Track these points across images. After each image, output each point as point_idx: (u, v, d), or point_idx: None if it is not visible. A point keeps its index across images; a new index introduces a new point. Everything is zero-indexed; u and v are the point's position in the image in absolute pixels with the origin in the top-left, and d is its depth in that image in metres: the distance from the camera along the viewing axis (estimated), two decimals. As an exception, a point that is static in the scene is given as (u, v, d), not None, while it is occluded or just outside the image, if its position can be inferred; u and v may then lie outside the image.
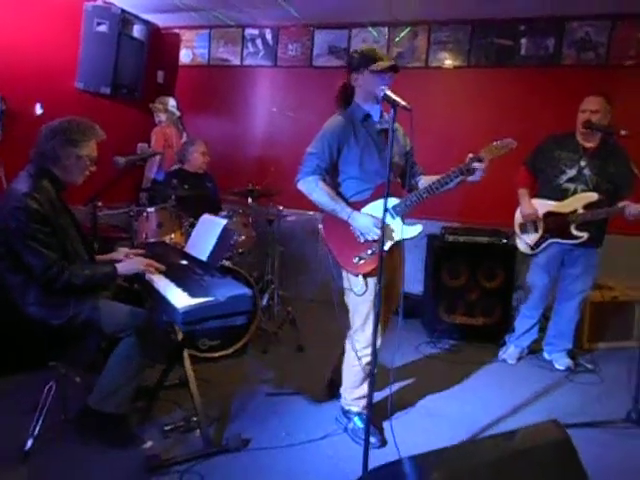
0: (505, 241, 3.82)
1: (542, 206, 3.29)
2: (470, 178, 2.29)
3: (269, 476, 2.16)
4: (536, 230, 3.33)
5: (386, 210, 1.95)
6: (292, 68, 4.77)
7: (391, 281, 2.42)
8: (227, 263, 3.25)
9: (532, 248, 3.37)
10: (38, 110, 3.76)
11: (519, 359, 3.55)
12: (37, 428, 2.18)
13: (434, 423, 2.65)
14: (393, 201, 2.33)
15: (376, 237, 2.27)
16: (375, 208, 2.32)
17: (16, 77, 3.58)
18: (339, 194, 2.42)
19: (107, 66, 4.05)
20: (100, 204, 2.96)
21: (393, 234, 2.35)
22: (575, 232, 3.18)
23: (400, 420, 2.62)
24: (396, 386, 2.93)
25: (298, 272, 4.68)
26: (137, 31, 4.28)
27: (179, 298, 1.99)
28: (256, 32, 4.81)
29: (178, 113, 4.87)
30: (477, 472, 1.13)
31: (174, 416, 2.53)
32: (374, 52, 2.38)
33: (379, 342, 2.35)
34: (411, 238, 2.36)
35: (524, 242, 3.42)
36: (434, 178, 2.36)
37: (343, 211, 2.33)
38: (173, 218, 3.34)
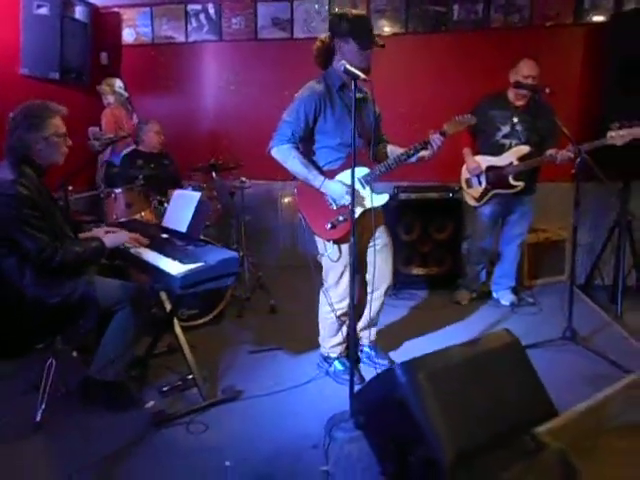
0: (452, 195, 4.17)
1: (483, 162, 3.65)
2: (426, 153, 2.46)
3: (264, 419, 2.42)
4: (480, 184, 3.70)
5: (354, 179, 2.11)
6: (237, 42, 4.86)
7: (370, 238, 2.63)
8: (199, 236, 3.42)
9: (477, 200, 3.73)
10: (-15, 99, 3.69)
11: (471, 300, 3.97)
12: (43, 401, 2.34)
13: (403, 357, 2.99)
14: (363, 170, 2.47)
15: (347, 203, 2.37)
16: (346, 176, 2.39)
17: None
18: (312, 162, 2.52)
19: (52, 50, 4.01)
20: (71, 188, 3.04)
21: (363, 202, 2.50)
22: (513, 182, 3.57)
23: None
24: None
25: (261, 240, 4.90)
26: (79, 12, 4.22)
27: (172, 266, 2.17)
28: (199, 7, 4.84)
29: (126, 94, 4.85)
30: (451, 370, 1.44)
31: (169, 379, 2.73)
32: (365, 23, 2.37)
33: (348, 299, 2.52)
34: (379, 206, 2.54)
35: (470, 196, 3.78)
36: (397, 148, 2.55)
37: (316, 179, 2.45)
38: (141, 197, 3.45)
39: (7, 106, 3.65)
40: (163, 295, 2.81)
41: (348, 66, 2.04)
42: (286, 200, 4.92)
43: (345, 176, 2.44)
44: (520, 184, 3.56)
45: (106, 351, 2.37)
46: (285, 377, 2.80)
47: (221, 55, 4.93)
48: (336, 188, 2.44)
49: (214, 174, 3.82)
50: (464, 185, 3.81)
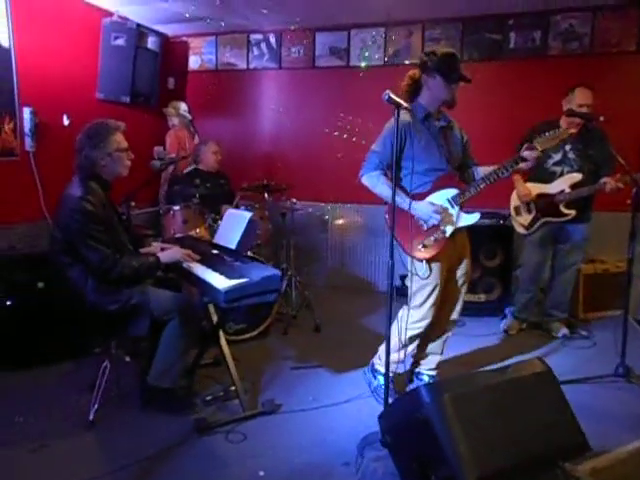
0: (503, 222, 4.12)
1: (534, 189, 3.60)
2: (523, 165, 2.53)
3: (301, 433, 2.48)
4: (529, 211, 3.64)
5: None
6: (295, 69, 5.07)
7: (455, 264, 2.70)
8: (249, 253, 3.56)
9: (527, 228, 3.67)
10: (65, 121, 4.06)
11: (520, 330, 3.86)
12: (97, 401, 2.51)
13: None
14: (452, 192, 2.56)
15: (436, 222, 2.50)
16: (436, 198, 2.55)
17: (44, 92, 3.88)
18: (401, 187, 2.59)
19: (125, 76, 4.35)
20: (133, 204, 3.26)
21: (453, 221, 2.57)
22: (564, 210, 3.49)
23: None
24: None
25: (310, 261, 5.00)
26: (151, 42, 4.57)
27: (219, 280, 2.30)
28: (260, 37, 5.10)
29: (189, 116, 5.16)
30: (477, 394, 1.45)
31: (213, 389, 2.85)
32: (452, 61, 2.49)
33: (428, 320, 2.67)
34: (470, 225, 2.61)
35: (519, 223, 3.72)
36: (488, 168, 2.61)
37: (404, 201, 2.51)
38: (197, 214, 3.65)
39: (83, 125, 4.05)
40: (211, 308, 2.95)
41: (392, 95, 2.12)
42: (337, 222, 5.02)
43: (433, 197, 2.56)
44: (571, 212, 3.48)
45: (161, 359, 2.53)
46: (324, 394, 2.85)
47: (279, 82, 5.16)
48: (424, 208, 2.52)
49: (266, 195, 3.98)
50: (513, 213, 3.76)
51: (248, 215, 2.77)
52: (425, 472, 1.39)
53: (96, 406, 2.50)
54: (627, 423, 2.52)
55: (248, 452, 2.31)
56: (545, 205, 3.54)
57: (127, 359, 2.86)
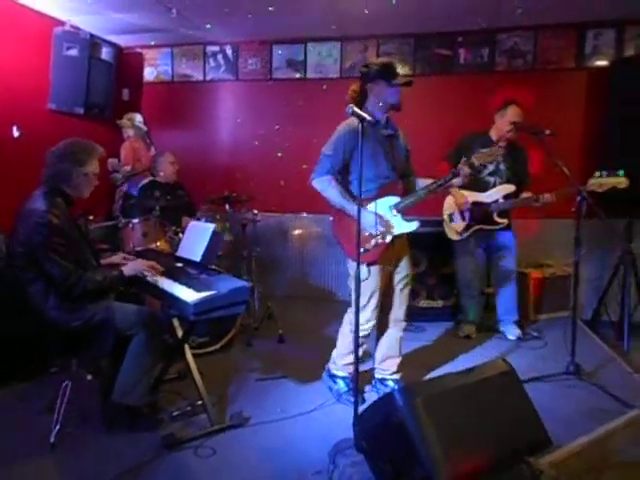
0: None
1: (469, 196, 3.78)
2: (455, 181, 2.70)
3: (270, 444, 2.47)
4: (463, 218, 3.81)
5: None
6: (253, 81, 5.10)
7: (395, 267, 2.82)
8: (212, 266, 3.54)
9: (460, 234, 3.83)
10: (15, 132, 3.92)
11: (477, 333, 4.02)
12: (58, 422, 2.43)
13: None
14: (395, 199, 2.70)
15: (378, 232, 2.63)
16: (380, 204, 2.67)
17: (-8, 102, 3.74)
18: (348, 191, 2.72)
19: (79, 87, 4.25)
20: (91, 218, 3.20)
21: (393, 229, 2.70)
22: (497, 219, 3.71)
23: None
24: (371, 363, 3.31)
25: (271, 271, 5.01)
26: (105, 53, 4.49)
27: (187, 294, 2.28)
28: (217, 48, 5.11)
29: (145, 128, 5.08)
30: (447, 395, 1.52)
31: (179, 404, 2.81)
32: (390, 65, 2.66)
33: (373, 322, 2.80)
34: (408, 232, 2.74)
35: (453, 230, 3.88)
36: (426, 181, 2.75)
37: (351, 207, 2.62)
38: (157, 227, 3.60)
39: (34, 137, 3.94)
40: (175, 322, 2.91)
41: (355, 109, 2.21)
42: (296, 232, 5.05)
43: (377, 204, 2.68)
44: (504, 221, 3.72)
45: (126, 376, 2.47)
46: (291, 404, 2.86)
47: (236, 93, 5.17)
48: (367, 217, 2.62)
49: (227, 206, 3.97)
50: (447, 219, 3.92)
51: (212, 227, 2.77)
52: (400, 474, 1.44)
53: (57, 427, 2.41)
54: (579, 418, 2.68)
55: (218, 466, 2.29)
56: (479, 213, 3.73)
57: (89, 377, 2.78)
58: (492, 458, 1.49)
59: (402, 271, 2.87)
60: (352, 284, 2.71)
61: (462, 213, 3.79)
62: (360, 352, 2.80)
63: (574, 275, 3.17)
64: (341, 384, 2.92)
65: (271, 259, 5.05)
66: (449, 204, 3.89)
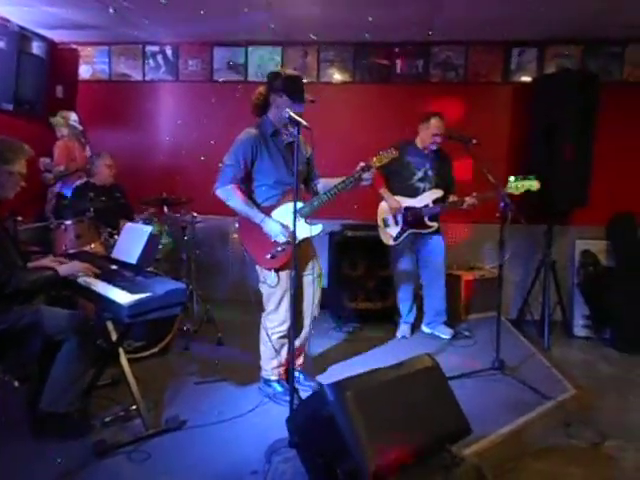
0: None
1: (402, 202, 3.94)
2: (363, 183, 2.80)
3: (208, 447, 2.47)
4: (397, 223, 3.96)
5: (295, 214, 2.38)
6: (193, 82, 5.06)
7: (303, 269, 2.90)
8: (149, 268, 3.48)
9: (395, 239, 3.99)
10: None
11: (412, 333, 4.18)
12: (-19, 432, 2.32)
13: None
14: (299, 204, 2.68)
15: (283, 240, 2.70)
16: (283, 211, 2.74)
17: None
18: (252, 199, 2.79)
19: (7, 82, 4.06)
20: (20, 219, 3.07)
21: (299, 233, 2.72)
22: (428, 223, 3.90)
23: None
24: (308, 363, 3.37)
25: (211, 274, 4.98)
26: (36, 47, 4.32)
27: (121, 296, 2.25)
28: (157, 48, 5.03)
29: (80, 127, 4.90)
30: (376, 389, 1.60)
31: (112, 410, 2.74)
32: (297, 82, 2.70)
33: (307, 322, 2.94)
34: (314, 236, 2.83)
35: (387, 234, 4.02)
36: (331, 181, 2.83)
37: (256, 216, 2.72)
38: (91, 229, 3.51)
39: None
40: (110, 325, 2.85)
41: (292, 113, 2.28)
42: (236, 236, 5.04)
43: (280, 212, 2.76)
44: (435, 224, 3.92)
45: (55, 383, 2.39)
46: (229, 407, 2.86)
47: (176, 94, 5.11)
48: (273, 227, 2.72)
49: (166, 208, 3.92)
50: (381, 224, 4.05)
51: (149, 229, 2.73)
52: (331, 467, 1.50)
53: (-20, 437, 2.31)
54: (502, 410, 2.85)
55: (154, 470, 2.27)
56: (412, 217, 3.90)
57: (15, 384, 2.66)
58: (417, 448, 1.58)
59: (312, 273, 2.97)
60: (262, 288, 2.88)
61: (395, 218, 3.94)
62: (283, 353, 2.96)
63: (499, 277, 3.36)
64: (276, 386, 2.97)
65: (211, 262, 5.01)
66: (383, 209, 4.02)
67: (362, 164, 2.76)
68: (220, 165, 2.81)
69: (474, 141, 3.29)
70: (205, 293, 4.42)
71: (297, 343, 2.99)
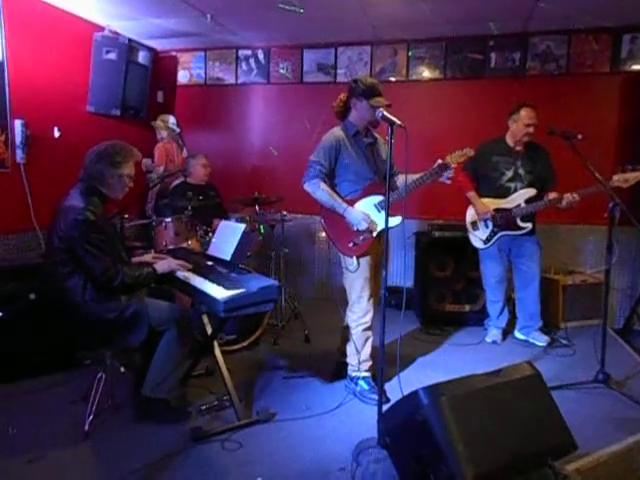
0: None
1: (491, 204, 3.76)
2: (441, 179, 2.87)
3: (296, 441, 2.52)
4: (487, 226, 3.78)
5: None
6: (283, 85, 5.17)
7: (379, 261, 2.94)
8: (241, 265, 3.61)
9: (485, 242, 3.81)
10: (56, 133, 4.08)
11: (504, 338, 3.99)
12: (92, 412, 2.52)
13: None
14: (378, 198, 2.93)
15: (365, 227, 2.86)
16: (365, 203, 2.94)
17: (35, 104, 3.90)
18: (336, 192, 2.96)
19: (116, 90, 4.40)
20: (126, 216, 3.30)
21: (377, 224, 2.91)
22: (521, 224, 3.67)
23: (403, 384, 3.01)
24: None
25: (298, 272, 5.08)
26: (142, 57, 4.63)
27: (217, 291, 2.35)
28: (249, 52, 5.20)
29: (178, 129, 5.22)
30: (472, 396, 1.54)
31: (206, 399, 2.88)
32: (376, 88, 2.88)
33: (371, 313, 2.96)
34: (393, 227, 2.81)
35: (477, 238, 3.85)
36: (410, 177, 2.88)
37: (340, 207, 2.90)
38: (188, 227, 3.69)
39: (73, 138, 4.10)
40: (205, 319, 2.99)
41: (386, 113, 2.32)
42: (323, 234, 5.10)
43: (363, 204, 2.95)
44: (528, 225, 3.68)
45: (156, 370, 2.56)
46: (316, 402, 2.90)
47: (267, 96, 5.25)
48: (356, 215, 2.89)
49: (257, 207, 4.05)
50: (470, 228, 3.88)
51: (242, 227, 2.83)
52: (424, 471, 1.47)
53: (91, 417, 2.51)
54: (607, 427, 2.64)
55: (244, 459, 2.35)
56: (503, 219, 3.70)
57: (122, 370, 2.88)
58: (516, 460, 1.50)
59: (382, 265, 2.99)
60: (345, 279, 3.01)
61: (485, 221, 3.77)
62: (368, 346, 3.00)
63: (605, 283, 3.12)
64: (362, 384, 2.98)
65: (298, 260, 5.11)
66: (471, 213, 3.86)
67: (440, 161, 2.86)
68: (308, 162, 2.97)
69: (579, 136, 3.06)
70: (292, 290, 4.51)
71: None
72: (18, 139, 3.74)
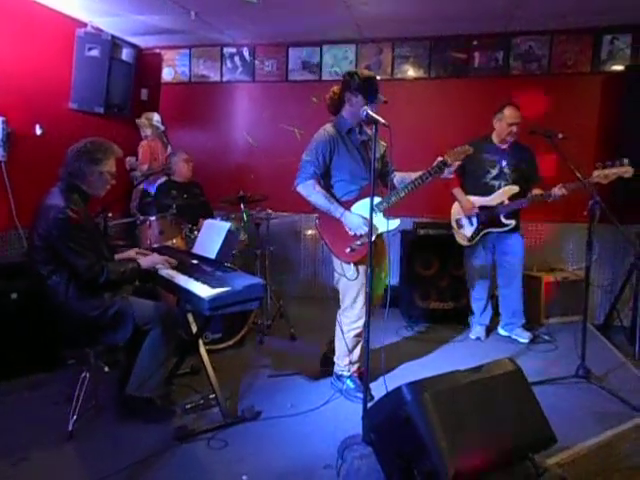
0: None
1: (475, 202, 3.80)
2: (442, 176, 2.79)
3: (281, 438, 2.53)
4: (471, 224, 3.82)
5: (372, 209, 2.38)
6: (269, 83, 5.16)
7: (378, 266, 2.87)
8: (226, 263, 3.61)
9: (470, 240, 3.85)
10: (38, 130, 4.02)
11: (487, 335, 4.03)
12: (76, 412, 2.50)
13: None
14: (376, 199, 2.75)
15: (363, 232, 2.73)
16: (362, 205, 2.79)
17: (16, 101, 3.83)
18: (331, 194, 2.85)
19: (100, 87, 4.35)
20: (110, 215, 3.28)
21: (377, 227, 2.79)
22: (505, 221, 3.73)
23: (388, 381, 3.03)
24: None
25: (284, 270, 5.07)
26: (125, 54, 4.58)
27: (202, 290, 2.34)
28: (234, 50, 5.18)
29: (162, 127, 5.18)
30: (455, 391, 1.56)
31: (192, 398, 2.87)
32: (373, 82, 2.74)
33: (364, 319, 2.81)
34: (391, 230, 2.82)
35: (463, 235, 3.89)
36: (407, 175, 2.85)
37: (336, 210, 2.78)
38: (173, 225, 3.68)
39: (55, 135, 4.04)
40: (190, 317, 2.98)
41: (369, 112, 2.29)
42: (308, 232, 5.11)
43: (360, 207, 2.81)
44: (512, 222, 3.74)
45: (140, 369, 2.55)
46: (302, 400, 2.91)
47: (253, 94, 5.23)
48: (354, 220, 2.76)
49: (242, 205, 4.04)
50: (455, 225, 3.92)
51: (227, 225, 2.83)
52: (408, 467, 1.49)
53: (75, 417, 2.49)
54: (588, 421, 2.69)
55: (230, 458, 2.36)
56: (487, 217, 3.75)
57: (106, 369, 2.85)
58: (498, 454, 1.53)
59: (383, 270, 2.99)
60: (339, 283, 2.91)
61: (469, 218, 3.81)
62: (358, 351, 2.97)
63: (585, 279, 3.17)
64: (349, 382, 2.99)
65: (284, 258, 5.11)
66: (456, 210, 3.90)
67: (440, 159, 2.78)
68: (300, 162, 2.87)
69: (560, 135, 3.12)
70: (278, 289, 4.51)
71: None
72: (-1, 136, 3.67)
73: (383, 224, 2.79)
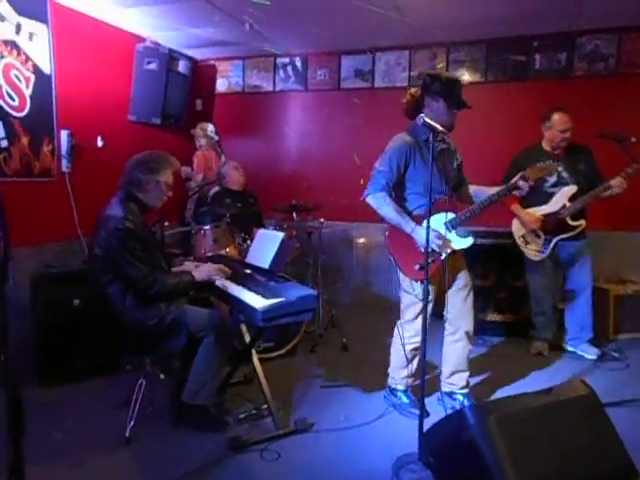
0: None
1: (536, 212, 3.60)
2: (517, 192, 2.63)
3: (334, 453, 2.47)
4: (538, 236, 3.62)
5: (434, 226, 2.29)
6: (321, 91, 5.16)
7: (452, 281, 2.76)
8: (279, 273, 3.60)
9: (542, 252, 3.63)
10: (99, 142, 4.19)
11: (549, 351, 3.82)
12: (133, 418, 2.55)
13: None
14: (449, 215, 2.63)
15: (436, 249, 2.57)
16: (434, 220, 2.54)
17: (80, 114, 4.01)
18: (403, 207, 2.69)
19: (157, 99, 4.49)
20: (167, 224, 3.34)
21: (449, 245, 2.64)
22: (572, 223, 3.51)
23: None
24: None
25: (336, 279, 5.03)
26: (181, 66, 4.72)
27: (255, 300, 2.33)
28: (287, 60, 5.22)
29: (216, 137, 5.27)
30: (522, 416, 1.45)
31: (244, 407, 2.86)
32: (456, 86, 2.54)
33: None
34: (464, 249, 2.69)
35: (531, 251, 3.67)
36: (480, 188, 2.73)
37: (407, 225, 2.60)
38: (226, 234, 3.71)
39: (115, 146, 4.19)
40: (243, 327, 2.98)
41: (427, 119, 2.19)
42: (360, 241, 5.05)
43: (432, 220, 2.52)
44: (581, 222, 3.51)
45: (195, 377, 2.56)
46: (355, 413, 2.84)
47: (305, 103, 5.25)
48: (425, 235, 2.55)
49: (294, 214, 4.03)
50: (520, 242, 3.70)
51: (281, 235, 2.81)
52: (471, 494, 1.40)
53: (132, 422, 2.54)
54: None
55: (283, 471, 2.32)
56: (552, 224, 3.54)
57: (161, 376, 2.90)
58: (571, 485, 1.41)
59: (460, 282, 2.81)
60: (404, 297, 2.80)
61: (535, 232, 3.63)
62: (414, 364, 2.85)
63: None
64: (402, 396, 2.89)
65: (336, 267, 5.06)
66: (517, 227, 3.71)
67: (520, 174, 2.61)
68: (372, 172, 2.74)
69: (633, 139, 2.91)
70: (330, 297, 4.47)
71: (451, 360, 2.86)
72: (64, 149, 3.85)
73: (456, 241, 2.65)
